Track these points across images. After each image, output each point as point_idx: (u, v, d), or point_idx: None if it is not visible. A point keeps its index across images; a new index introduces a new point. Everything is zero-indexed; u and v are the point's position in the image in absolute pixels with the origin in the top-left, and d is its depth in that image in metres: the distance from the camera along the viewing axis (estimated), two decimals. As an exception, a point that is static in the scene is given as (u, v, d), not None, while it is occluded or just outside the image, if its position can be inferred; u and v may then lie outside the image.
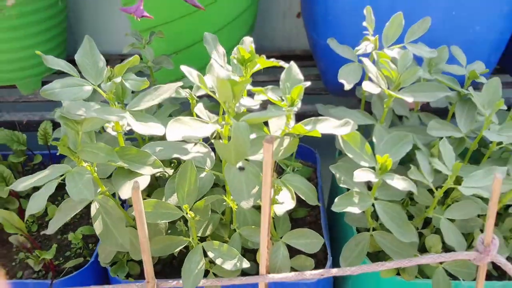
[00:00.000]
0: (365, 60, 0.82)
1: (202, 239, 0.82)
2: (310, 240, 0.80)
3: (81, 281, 0.88)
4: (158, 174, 0.86)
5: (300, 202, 1.05)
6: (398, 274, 0.83)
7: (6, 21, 1.13)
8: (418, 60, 0.99)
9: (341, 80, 0.87)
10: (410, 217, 0.89)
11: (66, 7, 1.31)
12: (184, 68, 0.67)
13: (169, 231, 0.87)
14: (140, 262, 0.91)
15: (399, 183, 0.71)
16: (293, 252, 0.85)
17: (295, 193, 0.79)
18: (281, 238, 0.81)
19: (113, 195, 0.80)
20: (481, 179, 0.71)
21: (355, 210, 0.72)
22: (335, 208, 0.72)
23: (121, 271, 0.86)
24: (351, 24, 0.99)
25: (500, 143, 0.87)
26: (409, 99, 0.78)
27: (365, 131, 0.97)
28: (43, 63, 0.68)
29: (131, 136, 0.94)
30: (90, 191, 0.64)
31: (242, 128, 0.64)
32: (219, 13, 1.12)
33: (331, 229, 1.09)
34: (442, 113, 1.01)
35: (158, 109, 0.97)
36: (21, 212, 1.07)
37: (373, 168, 0.75)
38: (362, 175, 0.71)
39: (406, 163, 0.91)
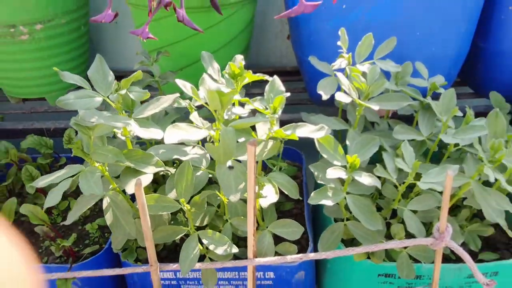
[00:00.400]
0: (339, 74, 0.82)
1: (200, 228, 0.82)
2: (292, 229, 0.80)
3: (97, 265, 0.89)
4: (162, 173, 0.86)
5: (287, 196, 1.05)
6: (368, 258, 0.83)
7: (36, 43, 1.14)
8: (388, 74, 0.99)
9: (319, 92, 0.87)
10: (380, 208, 0.90)
11: (89, 31, 1.32)
12: (179, 82, 0.67)
13: (171, 222, 0.87)
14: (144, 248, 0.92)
15: (366, 179, 0.71)
16: (280, 240, 0.85)
17: (280, 188, 0.80)
18: (267, 227, 0.81)
19: (123, 191, 0.81)
20: (437, 176, 0.72)
21: (329, 202, 0.72)
22: (311, 201, 0.72)
23: (130, 256, 0.86)
24: (330, 44, 0.99)
25: (457, 145, 0.87)
26: (375, 107, 0.78)
27: (343, 135, 0.98)
28: (67, 79, 0.69)
29: (141, 141, 0.95)
30: (99, 187, 0.64)
31: (229, 132, 0.64)
32: (217, 35, 1.12)
33: (315, 220, 1.09)
34: (408, 119, 1.01)
35: (164, 117, 0.98)
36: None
37: (345, 166, 0.75)
38: (333, 173, 0.71)
39: (378, 163, 0.92)
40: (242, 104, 0.85)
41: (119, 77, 1.10)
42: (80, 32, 1.23)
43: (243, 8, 1.13)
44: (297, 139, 0.71)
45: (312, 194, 0.73)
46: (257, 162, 0.82)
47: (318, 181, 0.81)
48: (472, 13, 1.02)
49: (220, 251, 0.72)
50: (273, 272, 0.87)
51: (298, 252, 0.93)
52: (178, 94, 0.72)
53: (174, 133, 0.65)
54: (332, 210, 0.87)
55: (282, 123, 0.81)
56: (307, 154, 1.19)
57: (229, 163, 0.72)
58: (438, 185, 0.70)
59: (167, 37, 1.10)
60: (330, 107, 1.24)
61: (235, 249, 0.73)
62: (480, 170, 0.74)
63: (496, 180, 0.77)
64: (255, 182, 0.67)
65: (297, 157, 1.21)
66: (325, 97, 0.86)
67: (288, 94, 0.76)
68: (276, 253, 0.89)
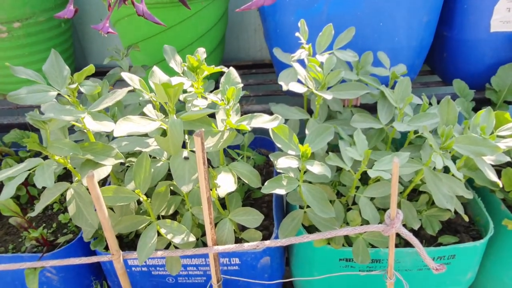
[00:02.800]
0: (295, 65, 0.78)
1: (166, 218, 0.79)
2: (252, 217, 0.77)
3: (70, 254, 0.86)
4: (127, 165, 0.83)
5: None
6: (329, 243, 0.80)
7: (15, 41, 1.10)
8: (352, 65, 0.95)
9: (280, 82, 0.83)
10: (341, 195, 0.86)
11: (72, 28, 1.28)
12: (125, 75, 0.64)
13: (141, 212, 0.84)
14: (118, 237, 0.89)
15: (316, 168, 0.68)
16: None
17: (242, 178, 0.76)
18: (228, 215, 0.78)
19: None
20: (388, 163, 0.68)
21: (281, 191, 0.69)
22: (264, 190, 0.69)
23: (100, 245, 0.84)
24: (295, 36, 0.95)
25: (416, 132, 0.83)
26: (328, 97, 0.74)
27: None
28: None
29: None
30: (51, 180, 0.61)
31: (176, 124, 0.61)
32: (190, 29, 1.08)
33: (288, 208, 1.06)
34: (373, 109, 0.97)
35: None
36: (30, 197, 1.06)
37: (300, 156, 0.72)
38: (285, 162, 0.68)
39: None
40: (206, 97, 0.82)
41: (105, 72, 1.06)
42: (60, 29, 1.19)
43: (214, 3, 1.09)
44: (248, 129, 0.67)
45: (266, 183, 0.70)
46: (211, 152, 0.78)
47: (278, 170, 0.77)
48: (435, 3, 0.98)
49: (177, 239, 0.69)
50: (239, 258, 0.84)
51: (265, 238, 0.90)
52: (130, 88, 0.69)
53: (124, 126, 0.62)
54: (295, 198, 0.84)
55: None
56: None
57: (185, 153, 0.69)
58: (386, 172, 0.66)
59: (142, 32, 1.06)
60: (299, 97, 1.20)
61: (192, 238, 0.70)
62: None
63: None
64: (205, 172, 0.64)
65: (271, 146, 1.17)
66: (285, 87, 0.81)
67: (241, 85, 0.72)
68: (243, 240, 0.86)
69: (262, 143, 1.18)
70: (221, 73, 1.26)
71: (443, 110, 0.71)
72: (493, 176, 0.68)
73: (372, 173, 0.66)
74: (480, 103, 1.09)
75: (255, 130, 1.09)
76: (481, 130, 0.70)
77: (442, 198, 0.68)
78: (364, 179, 0.88)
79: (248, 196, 1.04)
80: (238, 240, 0.86)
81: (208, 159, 0.88)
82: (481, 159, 0.71)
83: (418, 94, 0.98)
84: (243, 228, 0.88)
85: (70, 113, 0.62)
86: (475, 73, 1.10)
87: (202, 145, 0.60)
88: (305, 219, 0.82)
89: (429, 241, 0.89)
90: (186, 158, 0.69)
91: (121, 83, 0.88)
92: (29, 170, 0.66)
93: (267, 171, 1.11)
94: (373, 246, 0.79)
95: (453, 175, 0.76)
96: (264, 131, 1.00)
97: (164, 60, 1.14)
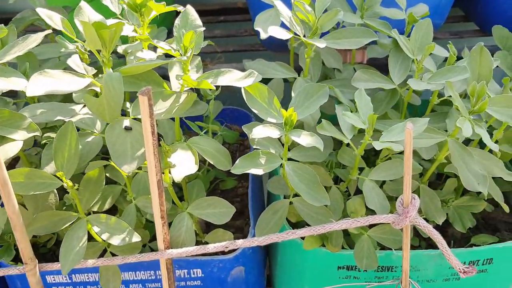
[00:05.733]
0: (277, 3, 0.81)
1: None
2: (218, 210, 0.80)
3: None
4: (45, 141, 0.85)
5: (229, 172, 1.05)
6: (324, 245, 0.84)
7: None
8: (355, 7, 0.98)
9: (257, 28, 0.86)
10: (341, 181, 0.90)
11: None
12: (42, 12, 0.66)
13: (65, 207, 0.87)
14: (33, 245, 0.91)
15: (305, 139, 0.71)
16: (215, 225, 0.85)
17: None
18: (187, 208, 0.81)
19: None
20: (400, 132, 0.72)
21: (258, 171, 0.72)
22: (234, 170, 0.72)
23: (7, 255, 0.86)
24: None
25: (441, 95, 0.87)
26: (321, 45, 0.78)
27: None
28: None
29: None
30: None
31: (113, 79, 0.64)
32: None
33: (270, 202, 1.09)
34: (383, 66, 1.01)
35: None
36: None
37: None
38: (262, 131, 0.71)
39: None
40: (155, 48, 0.84)
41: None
42: None
43: None
44: (212, 88, 0.70)
45: (238, 160, 0.73)
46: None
47: (254, 146, 0.81)
48: None
49: (116, 240, 0.72)
50: (201, 269, 0.87)
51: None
52: (49, 31, 0.71)
53: (41, 82, 0.64)
54: (278, 186, 0.88)
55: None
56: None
57: (126, 122, 0.71)
58: (398, 144, 0.70)
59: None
60: (284, 53, 1.23)
61: (136, 238, 0.73)
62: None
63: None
64: (155, 146, 0.66)
65: (246, 120, 1.20)
66: (263, 35, 0.85)
67: (203, 29, 0.75)
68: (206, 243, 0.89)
69: (234, 116, 1.20)
70: (177, 16, 1.28)
71: (474, 62, 0.75)
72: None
73: (378, 145, 0.70)
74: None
75: (225, 100, 1.12)
76: (524, 88, 0.74)
77: (472, 178, 0.73)
78: (371, 159, 0.92)
79: (215, 188, 1.07)
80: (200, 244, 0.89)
81: (159, 135, 0.90)
82: (524, 127, 0.75)
83: (446, 45, 1.02)
84: (207, 229, 0.91)
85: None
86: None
87: (150, 108, 0.63)
88: (292, 213, 0.85)
89: (459, 242, 0.93)
90: (127, 129, 0.71)
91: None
92: None
93: (241, 155, 1.14)
94: (382, 248, 0.83)
95: (490, 150, 0.81)
96: (239, 102, 1.02)
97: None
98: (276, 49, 1.23)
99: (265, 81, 0.94)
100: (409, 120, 0.74)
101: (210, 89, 0.96)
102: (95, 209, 0.82)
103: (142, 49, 0.82)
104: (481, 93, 0.72)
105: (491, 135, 0.84)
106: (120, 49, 0.89)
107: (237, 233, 0.97)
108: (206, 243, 0.89)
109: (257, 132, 0.71)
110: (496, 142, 0.87)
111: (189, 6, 0.78)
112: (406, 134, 0.64)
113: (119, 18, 0.84)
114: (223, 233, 0.88)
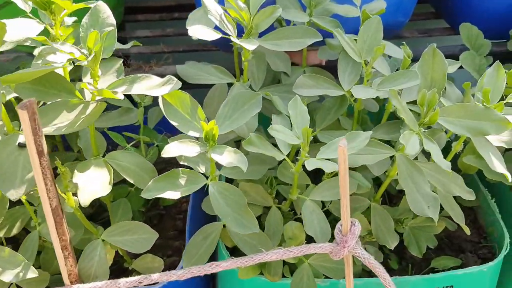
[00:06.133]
0: (205, 1, 0.72)
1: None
2: (138, 236, 0.72)
3: None
4: None
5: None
6: (262, 273, 0.75)
7: None
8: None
9: (188, 27, 0.77)
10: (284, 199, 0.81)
11: None
12: None
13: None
14: None
15: (226, 157, 0.62)
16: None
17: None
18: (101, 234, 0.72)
19: None
20: (336, 150, 0.62)
21: (175, 195, 0.63)
22: (144, 195, 0.63)
23: None
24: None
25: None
26: (251, 47, 0.69)
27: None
28: None
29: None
30: None
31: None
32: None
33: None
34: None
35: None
36: None
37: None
38: (176, 149, 0.62)
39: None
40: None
41: None
42: None
43: None
44: (116, 97, 0.61)
45: (151, 182, 0.64)
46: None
47: (181, 162, 0.71)
48: None
49: (7, 276, 0.62)
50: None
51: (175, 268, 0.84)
52: None
53: None
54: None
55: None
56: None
57: (20, 139, 0.63)
58: (333, 163, 0.61)
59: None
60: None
61: (32, 273, 0.63)
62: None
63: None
64: (47, 168, 0.57)
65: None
66: (194, 35, 0.75)
67: (113, 28, 0.66)
68: (134, 271, 0.81)
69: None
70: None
71: (426, 66, 0.66)
72: (498, 165, 0.64)
73: (310, 165, 0.61)
74: (501, 59, 1.05)
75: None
76: (484, 95, 0.65)
77: (421, 200, 0.64)
78: (321, 173, 0.84)
79: (155, 203, 0.98)
80: (126, 272, 0.80)
81: (80, 149, 0.81)
82: (483, 139, 0.66)
83: (414, 45, 0.93)
84: (136, 254, 0.82)
85: None
86: (496, 15, 1.07)
87: (33, 123, 0.54)
88: (227, 236, 0.76)
89: (419, 264, 0.85)
90: (21, 146, 0.62)
91: None
92: None
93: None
94: (326, 277, 0.74)
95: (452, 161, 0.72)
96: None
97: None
98: (228, 49, 1.14)
99: (208, 87, 0.85)
100: (351, 134, 0.64)
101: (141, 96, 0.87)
102: (1, 234, 0.73)
103: (56, 51, 0.73)
104: (432, 102, 0.63)
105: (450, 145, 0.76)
106: (36, 52, 0.80)
107: (174, 256, 0.88)
108: (134, 270, 0.80)
109: (170, 150, 0.61)
110: (460, 154, 0.79)
111: (100, 2, 0.69)
112: (340, 152, 0.55)
113: (30, 17, 0.75)
114: (153, 260, 0.79)
